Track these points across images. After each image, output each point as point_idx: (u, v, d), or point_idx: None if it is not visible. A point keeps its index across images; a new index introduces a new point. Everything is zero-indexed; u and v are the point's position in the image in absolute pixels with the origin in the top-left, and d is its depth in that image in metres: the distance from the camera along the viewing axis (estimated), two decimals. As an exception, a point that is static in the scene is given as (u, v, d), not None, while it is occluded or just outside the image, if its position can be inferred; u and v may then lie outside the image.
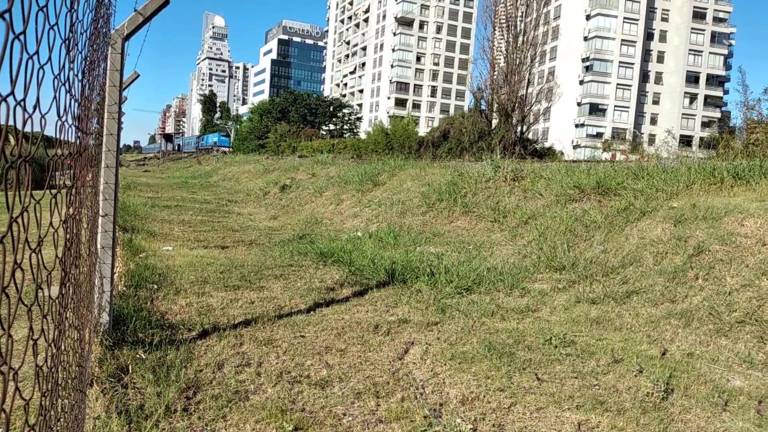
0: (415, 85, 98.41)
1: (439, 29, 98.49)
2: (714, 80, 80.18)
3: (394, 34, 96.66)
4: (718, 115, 78.57)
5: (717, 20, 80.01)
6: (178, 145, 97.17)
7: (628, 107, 78.39)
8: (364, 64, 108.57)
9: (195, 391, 3.81)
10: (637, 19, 77.79)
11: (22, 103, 1.05)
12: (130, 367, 4.04)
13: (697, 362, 4.76)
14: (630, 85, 78.44)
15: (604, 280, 7.09)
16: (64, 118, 1.63)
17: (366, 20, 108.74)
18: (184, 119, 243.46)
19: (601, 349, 5.05)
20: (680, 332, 5.40)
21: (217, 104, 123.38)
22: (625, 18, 77.16)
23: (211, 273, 7.35)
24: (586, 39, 77.72)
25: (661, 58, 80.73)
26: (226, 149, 70.08)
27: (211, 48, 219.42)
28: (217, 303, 5.99)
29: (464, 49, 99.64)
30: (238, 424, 3.42)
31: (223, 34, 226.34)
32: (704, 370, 4.60)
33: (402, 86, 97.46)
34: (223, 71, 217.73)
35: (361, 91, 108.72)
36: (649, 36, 79.47)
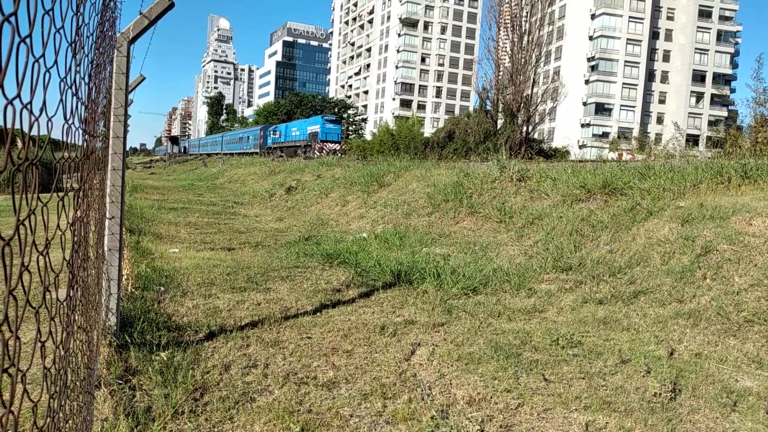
0: (420, 85, 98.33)
1: (443, 30, 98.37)
2: (720, 79, 79.64)
3: (399, 35, 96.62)
4: (725, 113, 78.03)
5: (723, 18, 79.48)
6: (184, 147, 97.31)
7: (634, 106, 78.03)
8: (369, 66, 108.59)
9: (202, 392, 3.82)
10: (643, 18, 77.42)
11: (28, 107, 1.05)
12: (137, 369, 4.05)
13: (705, 362, 4.73)
14: (636, 85, 78.08)
15: (611, 280, 7.05)
16: (71, 121, 1.64)
17: (370, 21, 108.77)
18: (189, 121, 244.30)
19: (609, 349, 5.03)
20: (688, 332, 5.37)
21: (224, 106, 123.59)
22: (630, 17, 76.81)
23: (218, 275, 7.37)
24: (591, 38, 77.42)
25: (667, 57, 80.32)
26: (338, 146, 39.54)
27: (216, 50, 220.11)
28: (224, 305, 6.00)
29: (469, 49, 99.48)
30: (245, 425, 3.42)
31: (228, 36, 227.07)
32: (712, 370, 4.57)
33: (407, 87, 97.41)
34: (229, 73, 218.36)
35: (366, 93, 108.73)
36: (654, 35, 79.05)
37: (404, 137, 47.99)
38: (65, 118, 1.56)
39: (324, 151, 37.15)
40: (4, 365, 1.01)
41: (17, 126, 0.99)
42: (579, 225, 9.06)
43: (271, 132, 49.75)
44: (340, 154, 35.90)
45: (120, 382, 3.79)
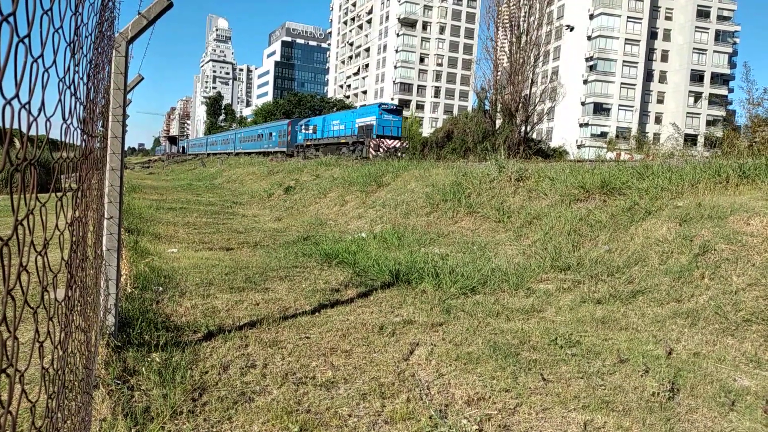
0: (418, 86, 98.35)
1: (442, 30, 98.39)
2: (719, 79, 79.79)
3: (398, 35, 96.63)
4: (723, 113, 78.14)
5: (721, 18, 79.63)
6: (183, 147, 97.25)
7: (632, 106, 78.15)
8: (367, 66, 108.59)
9: (201, 392, 3.82)
10: (641, 18, 77.55)
11: (27, 106, 1.05)
12: (135, 369, 4.05)
13: (703, 362, 4.74)
14: (634, 85, 78.19)
15: (609, 279, 7.06)
16: (69, 121, 1.64)
17: (369, 21, 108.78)
18: (188, 121, 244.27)
19: (607, 349, 5.03)
20: (686, 332, 5.37)
21: (222, 106, 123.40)
22: (628, 17, 76.93)
23: (216, 275, 7.36)
24: (589, 38, 77.52)
25: (665, 57, 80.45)
26: (398, 143, 29.78)
27: (214, 50, 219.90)
28: (222, 305, 6.00)
29: (467, 49, 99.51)
30: (243, 425, 3.42)
31: (227, 36, 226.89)
32: (711, 369, 4.58)
33: (405, 87, 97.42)
34: (227, 73, 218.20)
35: (364, 92, 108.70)
36: (652, 35, 79.18)
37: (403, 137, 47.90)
38: (64, 118, 1.56)
39: (381, 150, 27.98)
40: (2, 365, 1.01)
41: (15, 126, 0.99)
42: (577, 225, 9.07)
43: (303, 127, 39.43)
44: (401, 154, 27.47)
45: (118, 382, 3.78)
